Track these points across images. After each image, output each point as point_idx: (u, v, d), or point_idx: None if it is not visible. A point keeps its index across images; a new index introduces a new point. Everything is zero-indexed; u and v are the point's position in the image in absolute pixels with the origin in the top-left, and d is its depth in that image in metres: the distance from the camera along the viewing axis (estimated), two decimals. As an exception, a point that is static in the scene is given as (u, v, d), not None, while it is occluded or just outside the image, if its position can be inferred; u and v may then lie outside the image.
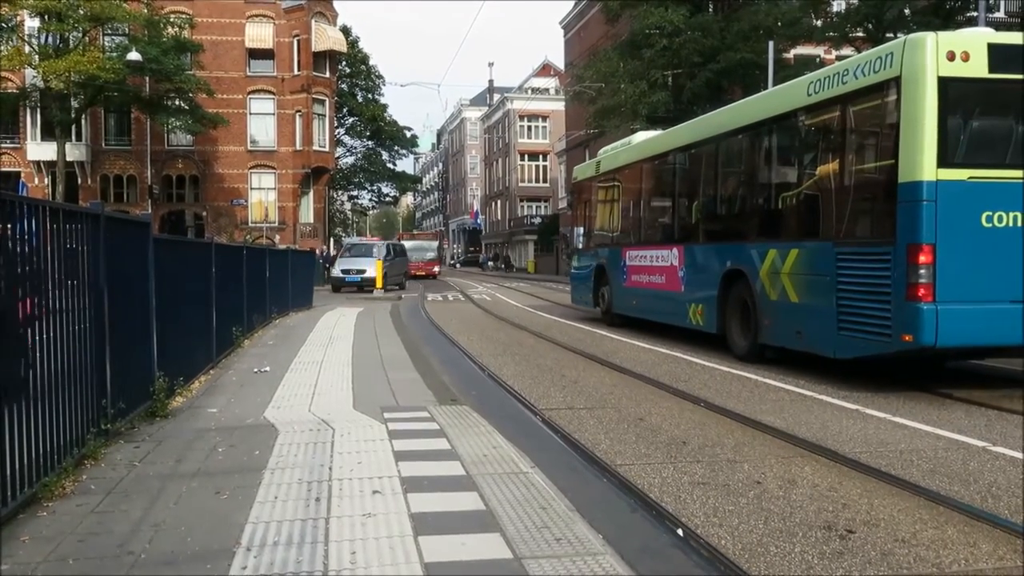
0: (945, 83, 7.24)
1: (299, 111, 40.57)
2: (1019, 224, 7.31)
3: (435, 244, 50.23)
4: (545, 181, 69.01)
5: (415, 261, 42.27)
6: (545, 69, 71.92)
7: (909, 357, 8.09)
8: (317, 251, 33.16)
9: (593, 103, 31.64)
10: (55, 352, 4.68)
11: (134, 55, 30.04)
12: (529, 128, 70.11)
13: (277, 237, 38.68)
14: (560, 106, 58.58)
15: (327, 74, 41.81)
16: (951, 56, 7.26)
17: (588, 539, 3.82)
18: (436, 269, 46.64)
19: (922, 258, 7.20)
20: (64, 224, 4.92)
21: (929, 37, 7.37)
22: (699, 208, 12.16)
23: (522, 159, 69.94)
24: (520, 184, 69.64)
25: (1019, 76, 7.33)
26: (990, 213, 7.29)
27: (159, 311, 6.95)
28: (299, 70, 40.54)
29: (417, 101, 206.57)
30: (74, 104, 33.69)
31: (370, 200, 62.62)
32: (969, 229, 7.27)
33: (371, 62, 54.10)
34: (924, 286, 7.20)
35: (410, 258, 40.73)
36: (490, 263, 66.83)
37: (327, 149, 42.16)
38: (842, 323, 8.21)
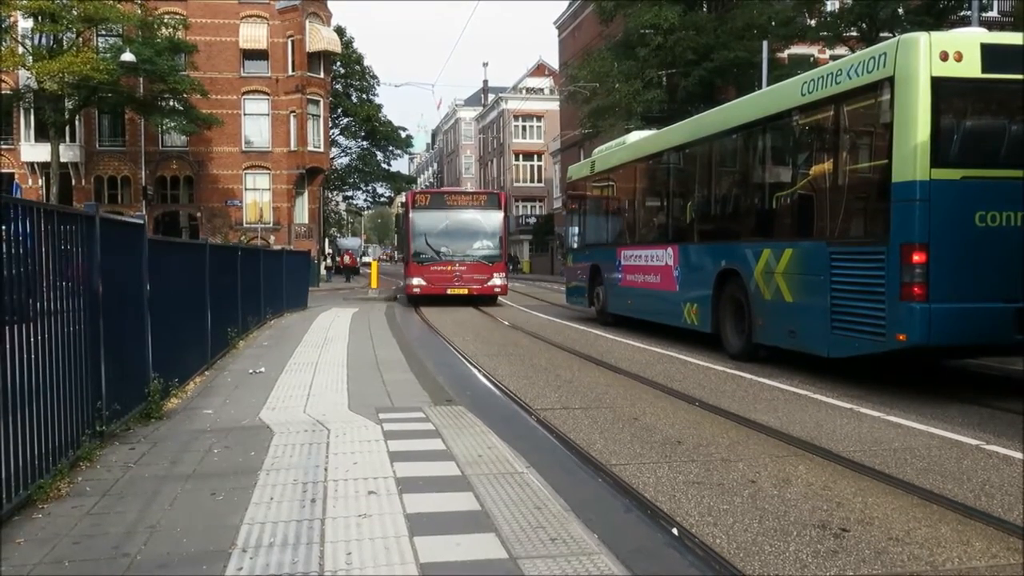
0: (938, 83, 7.26)
1: (293, 112, 40.45)
2: (1012, 223, 7.33)
3: (498, 219, 22.00)
4: (540, 181, 68.96)
5: (445, 260, 21.29)
6: (539, 69, 71.88)
7: (903, 356, 8.12)
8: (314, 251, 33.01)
9: (588, 103, 31.67)
10: (49, 354, 4.68)
11: (128, 56, 29.91)
12: (524, 128, 70.04)
13: (272, 238, 38.59)
14: (555, 106, 58.51)
15: (321, 75, 41.67)
16: (944, 56, 7.28)
17: (583, 539, 3.83)
18: (498, 281, 21.42)
19: (916, 257, 7.22)
20: (58, 226, 4.92)
21: (922, 37, 7.38)
22: (693, 208, 12.17)
23: (517, 159, 69.88)
24: (515, 184, 69.55)
25: (1012, 76, 7.35)
26: (983, 212, 7.31)
27: (154, 312, 6.94)
28: (293, 71, 40.40)
29: (412, 101, 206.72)
30: (68, 105, 33.50)
31: (365, 200, 62.60)
32: (962, 228, 7.28)
33: (365, 62, 54.12)
34: (918, 285, 7.22)
35: (445, 254, 21.33)
36: None
37: (322, 150, 42.02)
38: (836, 322, 8.23)
